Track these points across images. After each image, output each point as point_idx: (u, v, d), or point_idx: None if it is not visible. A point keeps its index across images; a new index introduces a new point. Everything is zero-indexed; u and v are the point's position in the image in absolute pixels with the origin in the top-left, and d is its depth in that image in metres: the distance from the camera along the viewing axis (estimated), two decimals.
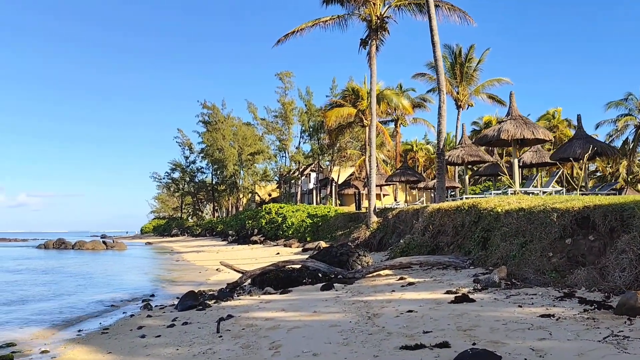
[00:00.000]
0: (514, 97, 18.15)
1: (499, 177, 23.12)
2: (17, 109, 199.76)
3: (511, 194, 15.69)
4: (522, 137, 17.10)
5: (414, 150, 65.11)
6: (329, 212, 38.32)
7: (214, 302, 11.07)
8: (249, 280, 13.47)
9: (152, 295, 14.19)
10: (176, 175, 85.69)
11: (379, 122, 38.20)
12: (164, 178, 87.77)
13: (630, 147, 46.15)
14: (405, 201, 31.94)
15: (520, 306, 6.69)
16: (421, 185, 38.50)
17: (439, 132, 20.05)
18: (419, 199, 37.71)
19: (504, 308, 6.68)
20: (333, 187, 55.89)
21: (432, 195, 46.85)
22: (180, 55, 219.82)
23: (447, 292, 8.37)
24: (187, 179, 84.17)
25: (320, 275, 12.45)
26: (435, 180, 34.07)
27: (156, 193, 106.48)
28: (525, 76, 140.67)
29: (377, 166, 37.11)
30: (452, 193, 31.81)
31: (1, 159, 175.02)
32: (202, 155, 77.56)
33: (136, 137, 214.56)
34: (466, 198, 18.70)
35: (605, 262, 7.74)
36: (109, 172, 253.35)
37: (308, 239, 34.18)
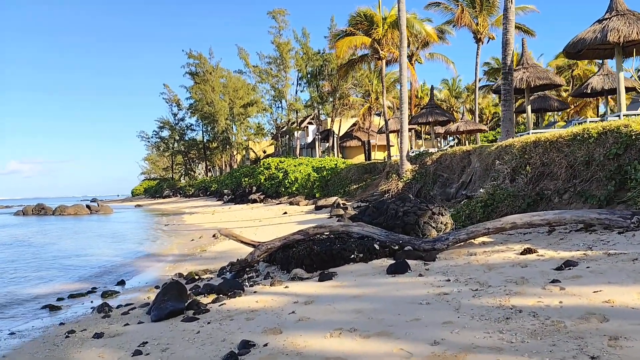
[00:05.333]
0: None
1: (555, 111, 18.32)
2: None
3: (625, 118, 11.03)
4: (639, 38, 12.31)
5: (419, 96, 60.09)
6: (336, 164, 33.76)
7: (213, 300, 6.61)
8: (264, 255, 8.95)
9: (121, 283, 9.70)
10: (165, 133, 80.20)
11: (389, 60, 32.97)
12: (152, 137, 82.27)
13: None
14: (434, 146, 27.46)
15: None
16: (441, 130, 33.90)
17: (506, 43, 15.15)
18: (446, 145, 33.10)
19: None
20: (334, 139, 51.06)
21: (440, 144, 42.16)
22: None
23: None
24: (177, 137, 78.78)
25: (376, 246, 7.96)
26: (460, 123, 29.43)
27: (146, 153, 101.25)
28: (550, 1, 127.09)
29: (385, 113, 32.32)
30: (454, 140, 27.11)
31: None
32: (191, 111, 72.05)
33: (123, 96, 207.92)
34: (533, 133, 14.20)
35: None
36: (99, 136, 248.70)
37: (317, 195, 29.73)
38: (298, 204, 27.51)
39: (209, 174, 77.96)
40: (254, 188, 41.24)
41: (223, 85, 64.67)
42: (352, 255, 7.83)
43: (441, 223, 8.47)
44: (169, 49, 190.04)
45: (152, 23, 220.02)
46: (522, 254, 6.54)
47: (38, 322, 6.91)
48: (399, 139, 43.21)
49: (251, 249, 9.33)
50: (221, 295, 6.80)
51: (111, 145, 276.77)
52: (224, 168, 73.74)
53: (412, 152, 20.56)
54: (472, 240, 7.96)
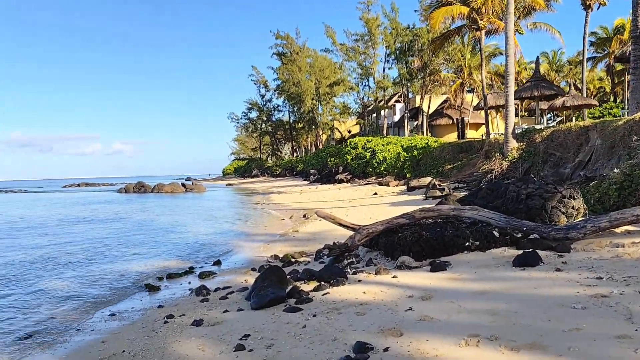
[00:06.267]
0: None
1: None
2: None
3: None
4: None
5: (517, 70, 56.19)
6: (427, 143, 32.30)
7: (315, 288, 6.06)
8: (364, 239, 8.26)
9: (217, 263, 9.53)
10: (253, 115, 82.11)
11: (488, 31, 30.60)
12: (241, 118, 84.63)
13: None
14: (537, 123, 25.21)
15: None
16: (544, 105, 31.20)
17: (637, 3, 13.17)
18: (551, 122, 30.39)
19: None
20: (423, 117, 49.11)
21: (543, 121, 38.90)
22: None
23: None
24: (264, 118, 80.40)
25: (495, 234, 7.00)
26: (566, 98, 26.79)
27: (235, 134, 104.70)
28: None
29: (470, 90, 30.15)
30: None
31: (95, 109, 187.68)
32: (277, 92, 72.91)
33: (213, 76, 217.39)
34: None
35: None
36: (193, 117, 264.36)
37: (408, 175, 28.62)
38: (388, 185, 26.62)
39: (295, 154, 78.85)
40: (341, 168, 40.82)
41: (309, 65, 64.56)
42: (467, 243, 6.95)
43: (572, 208, 7.29)
44: (256, 32, 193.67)
45: (237, 8, 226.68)
46: None
47: (137, 302, 6.77)
48: (499, 115, 40.43)
49: (348, 232, 8.73)
50: (323, 283, 6.25)
51: (204, 126, 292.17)
52: (309, 148, 74.20)
53: (518, 129, 18.86)
54: (613, 230, 6.76)
